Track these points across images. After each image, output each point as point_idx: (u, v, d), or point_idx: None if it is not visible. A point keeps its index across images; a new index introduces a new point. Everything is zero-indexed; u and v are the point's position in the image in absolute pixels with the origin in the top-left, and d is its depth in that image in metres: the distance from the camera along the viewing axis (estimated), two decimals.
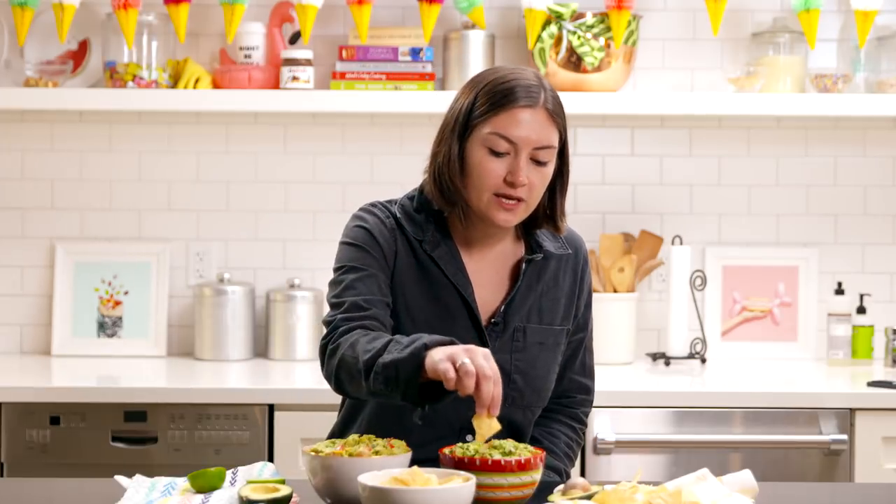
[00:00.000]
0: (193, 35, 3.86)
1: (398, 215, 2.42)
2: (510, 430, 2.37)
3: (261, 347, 3.86)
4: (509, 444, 2.11)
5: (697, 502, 2.00)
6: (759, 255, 3.93)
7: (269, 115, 3.88)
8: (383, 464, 2.05)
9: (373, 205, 2.46)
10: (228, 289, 3.77)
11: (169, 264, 3.89)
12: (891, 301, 3.93)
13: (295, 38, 3.80)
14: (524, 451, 2.09)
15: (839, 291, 3.83)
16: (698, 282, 3.80)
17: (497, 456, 2.06)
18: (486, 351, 2.10)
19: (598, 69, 3.71)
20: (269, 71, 3.73)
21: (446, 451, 2.10)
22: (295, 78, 3.67)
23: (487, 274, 2.44)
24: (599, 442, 3.24)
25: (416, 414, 2.20)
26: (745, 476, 2.17)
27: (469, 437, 2.31)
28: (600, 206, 3.92)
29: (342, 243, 2.42)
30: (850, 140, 3.92)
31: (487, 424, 2.09)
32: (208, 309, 3.76)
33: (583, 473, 3.25)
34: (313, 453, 2.08)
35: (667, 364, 3.74)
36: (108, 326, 3.85)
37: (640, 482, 2.09)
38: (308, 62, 3.69)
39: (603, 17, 3.69)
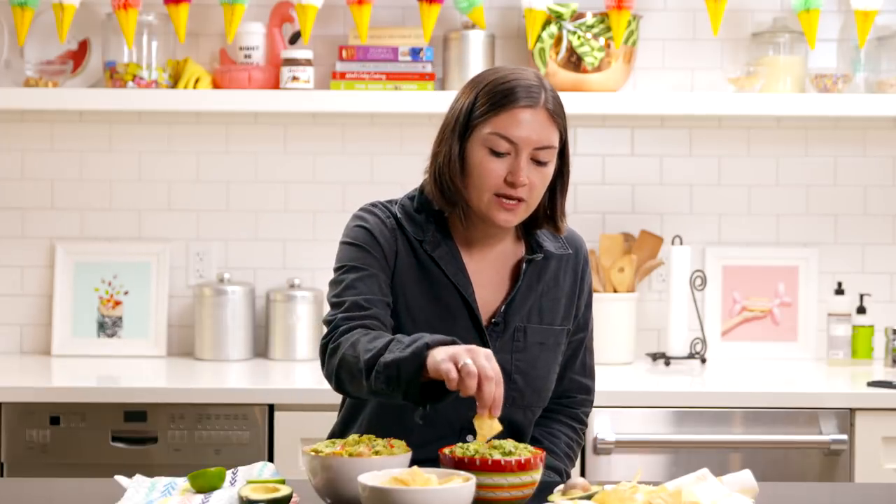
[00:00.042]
0: (193, 35, 3.86)
1: (398, 215, 2.42)
2: (510, 430, 2.37)
3: (261, 347, 3.86)
4: (509, 444, 2.11)
5: (697, 502, 2.00)
6: (759, 255, 3.92)
7: (269, 115, 3.88)
8: (383, 464, 2.05)
9: (373, 205, 2.45)
10: (228, 289, 3.77)
11: (169, 264, 3.88)
12: (891, 301, 3.93)
13: (295, 38, 3.80)
14: (524, 451, 2.09)
15: (839, 291, 3.83)
16: (698, 282, 3.80)
17: (497, 456, 2.06)
18: (488, 351, 2.10)
19: (598, 69, 3.71)
20: (269, 71, 3.73)
21: (446, 451, 2.10)
22: (295, 78, 3.66)
23: (488, 274, 2.44)
24: (599, 442, 3.24)
25: (417, 414, 2.20)
26: (745, 476, 2.17)
27: (469, 437, 2.31)
28: (600, 206, 3.92)
29: (342, 243, 2.42)
30: (850, 140, 3.92)
31: (489, 425, 2.09)
32: (208, 309, 3.76)
33: (583, 473, 3.25)
34: (313, 453, 2.08)
35: (667, 364, 3.74)
36: (108, 326, 3.85)
37: (640, 482, 2.09)
38: (308, 62, 3.69)
39: (603, 17, 3.69)
